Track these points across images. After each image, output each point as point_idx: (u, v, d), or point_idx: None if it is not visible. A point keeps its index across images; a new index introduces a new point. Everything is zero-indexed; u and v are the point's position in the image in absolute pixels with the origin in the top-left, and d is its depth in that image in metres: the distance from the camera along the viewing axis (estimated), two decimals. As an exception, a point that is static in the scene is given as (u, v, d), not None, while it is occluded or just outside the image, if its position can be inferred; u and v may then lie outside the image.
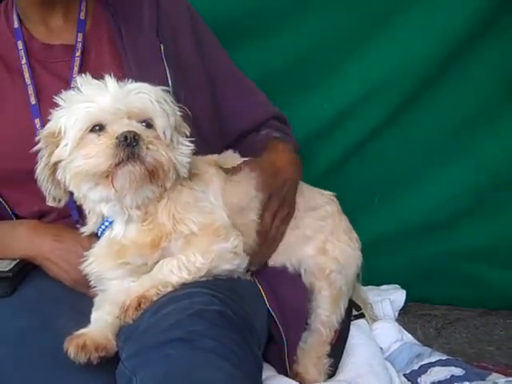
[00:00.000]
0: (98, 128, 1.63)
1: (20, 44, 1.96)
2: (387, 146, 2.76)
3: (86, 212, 1.78)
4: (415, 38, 2.59)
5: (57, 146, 1.67)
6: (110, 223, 1.74)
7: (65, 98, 1.70)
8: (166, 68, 1.99)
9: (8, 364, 1.61)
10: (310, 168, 2.42)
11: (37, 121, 1.89)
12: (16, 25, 1.98)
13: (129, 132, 1.59)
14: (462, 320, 2.67)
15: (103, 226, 1.76)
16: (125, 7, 2.03)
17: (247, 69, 2.46)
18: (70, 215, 1.93)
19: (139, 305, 1.61)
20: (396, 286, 2.76)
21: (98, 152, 1.59)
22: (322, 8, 2.59)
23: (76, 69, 1.93)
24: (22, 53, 1.95)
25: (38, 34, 2.00)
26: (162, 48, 2.02)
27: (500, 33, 2.56)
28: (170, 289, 1.64)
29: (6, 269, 1.83)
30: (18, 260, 1.87)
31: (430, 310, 2.76)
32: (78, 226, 1.90)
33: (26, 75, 1.93)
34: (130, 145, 1.58)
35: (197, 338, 1.46)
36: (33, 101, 1.91)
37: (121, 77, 1.87)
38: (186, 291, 1.61)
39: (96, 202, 1.71)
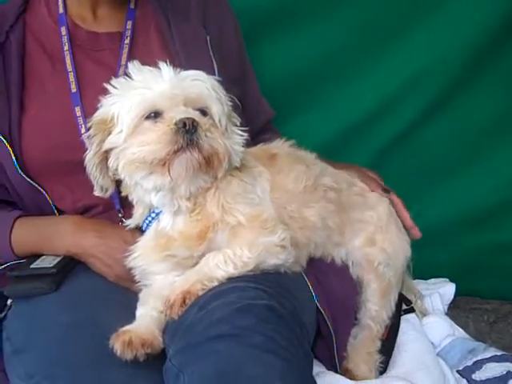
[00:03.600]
0: (153, 115, 1.58)
1: (63, 30, 1.94)
2: (432, 135, 2.72)
3: (134, 203, 1.74)
4: (455, 30, 2.55)
5: (108, 134, 1.63)
6: (157, 215, 1.70)
7: (116, 84, 1.66)
8: (213, 59, 1.98)
9: (54, 360, 1.59)
10: (353, 159, 2.39)
11: (77, 109, 1.87)
12: (61, 10, 1.96)
13: (187, 118, 1.55)
14: (514, 314, 2.58)
15: (149, 218, 1.71)
16: None
17: (280, 62, 2.54)
18: (113, 209, 1.90)
19: (184, 301, 1.56)
20: (445, 279, 2.67)
21: (156, 138, 1.55)
22: (357, 2, 2.57)
23: (125, 56, 1.91)
24: (65, 39, 1.93)
25: (83, 21, 1.98)
26: (208, 39, 2.01)
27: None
28: (215, 283, 1.58)
29: (50, 265, 1.81)
30: (61, 256, 1.85)
31: (481, 304, 2.68)
32: (120, 216, 1.89)
33: (68, 62, 1.91)
34: (188, 131, 1.54)
35: (245, 334, 1.41)
36: (73, 88, 1.89)
37: (168, 61, 1.85)
38: (232, 285, 1.56)
39: (147, 191, 1.66)
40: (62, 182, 1.91)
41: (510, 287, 2.71)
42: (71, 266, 1.86)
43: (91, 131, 1.65)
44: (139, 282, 1.76)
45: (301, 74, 2.58)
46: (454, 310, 2.56)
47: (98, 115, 1.65)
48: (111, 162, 1.64)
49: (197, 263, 1.65)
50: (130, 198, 1.74)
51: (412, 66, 2.62)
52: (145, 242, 1.72)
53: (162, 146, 1.55)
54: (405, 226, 2.12)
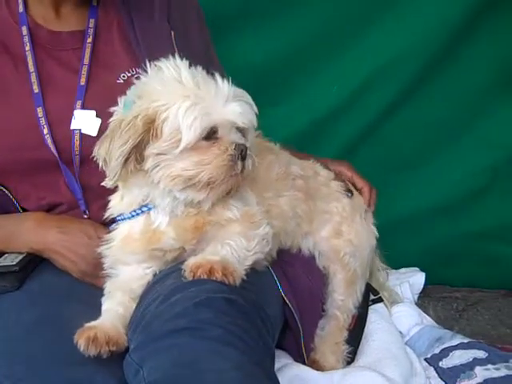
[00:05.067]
0: (207, 134, 1.55)
1: (24, 29, 1.90)
2: (400, 126, 2.74)
3: (122, 191, 1.69)
4: (421, 20, 2.58)
5: (154, 136, 1.56)
6: (149, 209, 1.67)
7: (162, 80, 1.60)
8: (177, 55, 1.95)
9: (15, 359, 1.57)
10: (320, 153, 2.38)
11: (39, 110, 1.84)
12: (21, 9, 1.92)
13: (243, 145, 1.57)
14: (483, 302, 2.61)
15: (138, 211, 1.67)
16: None
17: (249, 55, 2.53)
18: (78, 206, 1.89)
19: (210, 271, 1.51)
20: (415, 268, 2.70)
21: (218, 162, 1.55)
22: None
23: (87, 56, 1.89)
24: (26, 39, 1.89)
25: (44, 20, 1.94)
26: (173, 35, 1.98)
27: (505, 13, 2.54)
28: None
29: (13, 262, 1.79)
30: (24, 253, 1.83)
31: (451, 292, 2.71)
32: (86, 217, 1.88)
33: (30, 62, 1.88)
34: (243, 159, 1.57)
35: (203, 327, 1.41)
36: (36, 89, 1.85)
37: (132, 64, 1.85)
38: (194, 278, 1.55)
39: (164, 195, 1.62)
40: (26, 181, 1.89)
41: (479, 275, 2.75)
42: (34, 263, 1.84)
43: (133, 124, 1.55)
44: (104, 275, 1.73)
45: (268, 67, 2.60)
46: (424, 299, 2.59)
47: (142, 109, 1.56)
48: (148, 164, 1.58)
49: (177, 256, 1.66)
50: (120, 186, 1.68)
51: (377, 58, 2.64)
52: (127, 232, 1.68)
53: (223, 170, 1.56)
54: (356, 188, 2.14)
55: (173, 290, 1.53)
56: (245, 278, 1.56)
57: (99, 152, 1.60)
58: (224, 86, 1.58)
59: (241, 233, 1.64)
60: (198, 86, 1.57)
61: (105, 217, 1.75)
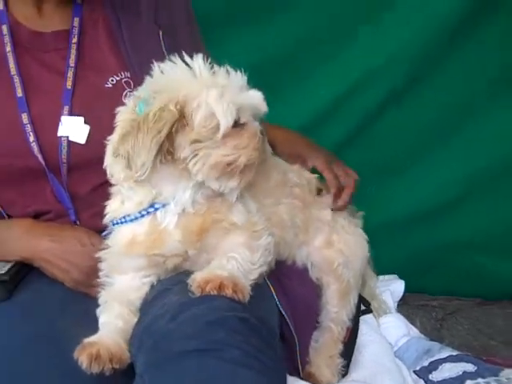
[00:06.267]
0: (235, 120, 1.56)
1: (5, 29, 1.79)
2: (381, 133, 2.72)
3: (120, 198, 1.63)
4: (410, 24, 2.55)
5: (186, 123, 1.52)
6: (156, 210, 1.61)
7: (181, 72, 1.58)
8: (166, 55, 1.87)
9: (9, 378, 1.50)
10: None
11: (24, 115, 1.74)
12: (1, 6, 1.80)
13: (264, 130, 1.60)
14: (461, 311, 2.62)
15: (144, 212, 1.61)
16: None
17: (242, 55, 2.41)
18: (67, 215, 1.81)
19: (219, 287, 1.46)
20: (394, 276, 2.70)
21: (252, 144, 1.56)
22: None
23: (73, 57, 1.79)
24: (7, 39, 1.78)
25: (26, 19, 1.83)
26: (161, 34, 1.91)
27: (499, 15, 2.54)
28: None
29: (2, 271, 1.70)
30: (13, 262, 1.75)
31: (428, 300, 2.71)
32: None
33: (11, 65, 1.77)
34: (265, 142, 1.61)
35: (218, 348, 1.36)
36: (19, 93, 1.75)
37: (120, 66, 1.80)
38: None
39: (182, 187, 1.58)
40: (11, 188, 1.79)
41: (457, 283, 2.76)
42: (24, 272, 1.76)
43: (162, 112, 1.50)
44: (99, 283, 1.66)
45: (257, 68, 2.50)
46: (404, 307, 2.59)
47: (172, 99, 1.52)
48: (185, 154, 1.53)
49: (179, 263, 1.61)
50: (127, 185, 1.61)
51: (367, 62, 2.61)
52: (131, 235, 1.62)
53: (258, 152, 1.57)
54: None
55: (181, 307, 1.46)
56: (251, 293, 1.52)
57: (120, 151, 1.54)
58: (239, 75, 1.60)
59: (245, 244, 1.60)
60: (217, 77, 1.58)
61: (104, 222, 1.67)
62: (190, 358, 1.35)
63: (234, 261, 1.56)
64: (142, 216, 1.60)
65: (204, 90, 1.53)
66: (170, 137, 1.51)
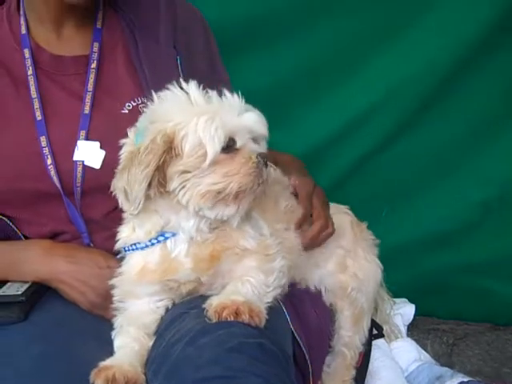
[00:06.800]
0: (226, 145, 1.52)
1: (27, 52, 1.81)
2: (394, 158, 2.74)
3: (135, 222, 1.63)
4: (425, 47, 2.57)
5: (175, 154, 1.51)
6: (166, 239, 1.61)
7: (174, 102, 1.57)
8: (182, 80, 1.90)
9: None
10: (317, 179, 2.36)
11: (42, 139, 1.75)
12: (23, 31, 1.83)
13: (265, 154, 1.55)
14: (471, 336, 2.64)
15: (154, 241, 1.61)
16: (141, 16, 1.91)
17: (254, 78, 2.48)
18: (81, 237, 1.82)
19: (236, 313, 1.45)
20: (403, 299, 2.71)
21: (245, 170, 1.52)
22: (331, 18, 2.57)
23: (91, 81, 1.81)
24: (29, 62, 1.80)
25: (46, 43, 1.85)
26: (179, 60, 1.93)
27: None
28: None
29: (19, 292, 1.71)
30: (30, 283, 1.75)
31: (438, 324, 2.73)
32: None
33: (32, 88, 1.79)
34: (266, 166, 1.54)
35: (238, 375, 1.34)
36: (39, 116, 1.77)
37: (137, 92, 1.80)
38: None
39: (187, 217, 1.57)
40: (26, 209, 1.81)
41: (466, 308, 2.77)
42: (40, 293, 1.76)
43: (152, 145, 1.50)
44: (114, 307, 1.66)
45: (269, 91, 2.56)
46: (413, 331, 2.60)
47: (159, 130, 1.52)
48: (174, 185, 1.52)
49: (194, 288, 1.61)
50: (131, 217, 1.62)
51: (377, 89, 2.64)
52: (143, 263, 1.62)
53: (252, 178, 1.52)
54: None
55: (199, 332, 1.45)
56: (267, 317, 1.52)
57: (117, 185, 1.55)
58: (235, 99, 1.57)
59: (258, 267, 1.60)
60: (210, 103, 1.55)
61: (115, 248, 1.68)
62: None
63: (249, 284, 1.56)
64: (152, 244, 1.61)
65: (194, 119, 1.52)
66: (162, 169, 1.51)
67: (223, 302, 1.49)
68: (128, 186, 1.52)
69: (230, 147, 1.53)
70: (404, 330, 2.52)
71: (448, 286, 2.76)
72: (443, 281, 2.77)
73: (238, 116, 1.54)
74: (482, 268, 2.74)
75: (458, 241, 2.75)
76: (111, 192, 1.59)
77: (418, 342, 2.44)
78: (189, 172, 1.51)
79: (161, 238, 1.60)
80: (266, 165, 1.55)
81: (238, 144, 1.54)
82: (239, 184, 1.51)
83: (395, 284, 2.67)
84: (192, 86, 1.57)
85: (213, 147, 1.49)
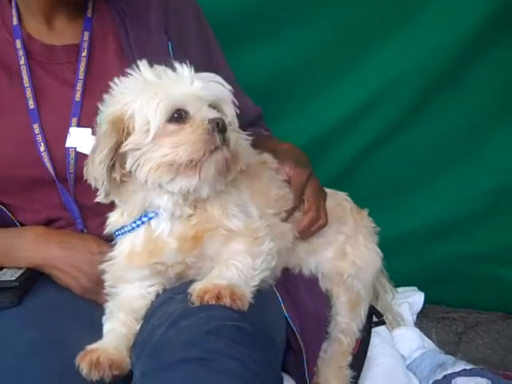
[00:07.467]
0: (176, 116, 1.52)
1: (19, 43, 1.84)
2: (398, 148, 2.71)
3: (120, 204, 1.66)
4: (424, 42, 2.54)
5: (125, 134, 1.53)
6: (149, 219, 1.62)
7: (126, 83, 1.58)
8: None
9: (18, 378, 1.52)
10: (319, 171, 2.35)
11: (35, 126, 1.78)
12: (15, 22, 1.85)
13: (219, 119, 1.52)
14: (482, 324, 2.59)
15: (138, 222, 1.63)
16: (131, 5, 1.92)
17: (253, 70, 2.48)
18: (76, 224, 1.85)
19: (217, 297, 1.46)
20: (413, 288, 2.69)
21: (193, 138, 1.50)
22: (331, 9, 2.54)
23: (82, 69, 1.83)
24: (21, 52, 1.83)
25: (38, 33, 1.87)
26: (170, 46, 1.93)
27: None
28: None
29: (13, 278, 1.74)
30: (24, 269, 1.78)
31: (448, 312, 2.69)
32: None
33: (25, 77, 1.81)
34: (221, 131, 1.51)
35: (215, 358, 1.35)
36: (31, 105, 1.79)
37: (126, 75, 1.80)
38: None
39: (160, 194, 1.58)
40: (21, 196, 1.84)
41: (477, 296, 2.73)
42: (34, 278, 1.79)
43: (104, 130, 1.54)
44: (106, 292, 1.69)
45: (270, 82, 2.56)
46: (422, 319, 2.57)
47: (110, 113, 1.55)
48: (129, 164, 1.54)
49: (182, 271, 1.61)
50: (117, 201, 1.65)
51: (378, 81, 2.61)
52: (130, 247, 1.64)
53: (201, 145, 1.50)
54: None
55: (180, 315, 1.47)
56: (252, 300, 1.51)
57: (88, 172, 1.58)
58: (184, 71, 1.57)
59: (246, 250, 1.59)
60: (159, 78, 1.56)
61: (104, 233, 1.70)
62: (186, 367, 1.35)
63: (234, 268, 1.56)
64: (138, 226, 1.62)
65: (140, 96, 1.53)
66: (119, 151, 1.53)
67: (205, 285, 1.49)
68: (92, 172, 1.55)
69: (181, 118, 1.53)
70: (413, 318, 2.49)
71: (458, 274, 2.72)
72: (453, 269, 2.73)
73: (186, 86, 1.54)
74: (492, 256, 2.69)
75: (469, 229, 2.71)
76: None
77: (426, 330, 2.42)
78: (139, 149, 1.52)
79: (144, 219, 1.62)
80: (224, 130, 1.52)
81: (192, 114, 1.53)
82: (188, 152, 1.50)
83: (404, 272, 2.67)
84: (142, 66, 1.58)
85: (154, 120, 1.50)
